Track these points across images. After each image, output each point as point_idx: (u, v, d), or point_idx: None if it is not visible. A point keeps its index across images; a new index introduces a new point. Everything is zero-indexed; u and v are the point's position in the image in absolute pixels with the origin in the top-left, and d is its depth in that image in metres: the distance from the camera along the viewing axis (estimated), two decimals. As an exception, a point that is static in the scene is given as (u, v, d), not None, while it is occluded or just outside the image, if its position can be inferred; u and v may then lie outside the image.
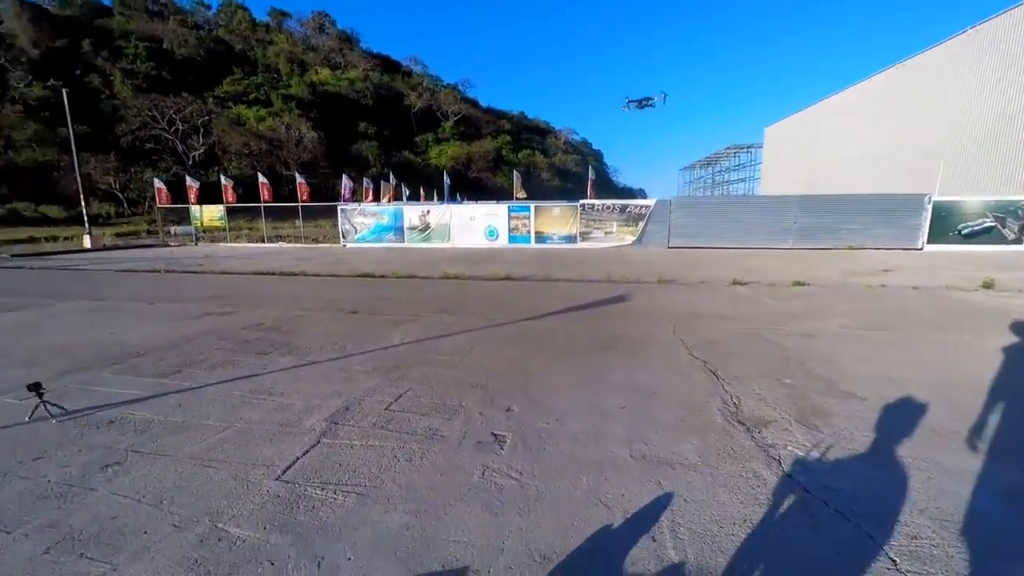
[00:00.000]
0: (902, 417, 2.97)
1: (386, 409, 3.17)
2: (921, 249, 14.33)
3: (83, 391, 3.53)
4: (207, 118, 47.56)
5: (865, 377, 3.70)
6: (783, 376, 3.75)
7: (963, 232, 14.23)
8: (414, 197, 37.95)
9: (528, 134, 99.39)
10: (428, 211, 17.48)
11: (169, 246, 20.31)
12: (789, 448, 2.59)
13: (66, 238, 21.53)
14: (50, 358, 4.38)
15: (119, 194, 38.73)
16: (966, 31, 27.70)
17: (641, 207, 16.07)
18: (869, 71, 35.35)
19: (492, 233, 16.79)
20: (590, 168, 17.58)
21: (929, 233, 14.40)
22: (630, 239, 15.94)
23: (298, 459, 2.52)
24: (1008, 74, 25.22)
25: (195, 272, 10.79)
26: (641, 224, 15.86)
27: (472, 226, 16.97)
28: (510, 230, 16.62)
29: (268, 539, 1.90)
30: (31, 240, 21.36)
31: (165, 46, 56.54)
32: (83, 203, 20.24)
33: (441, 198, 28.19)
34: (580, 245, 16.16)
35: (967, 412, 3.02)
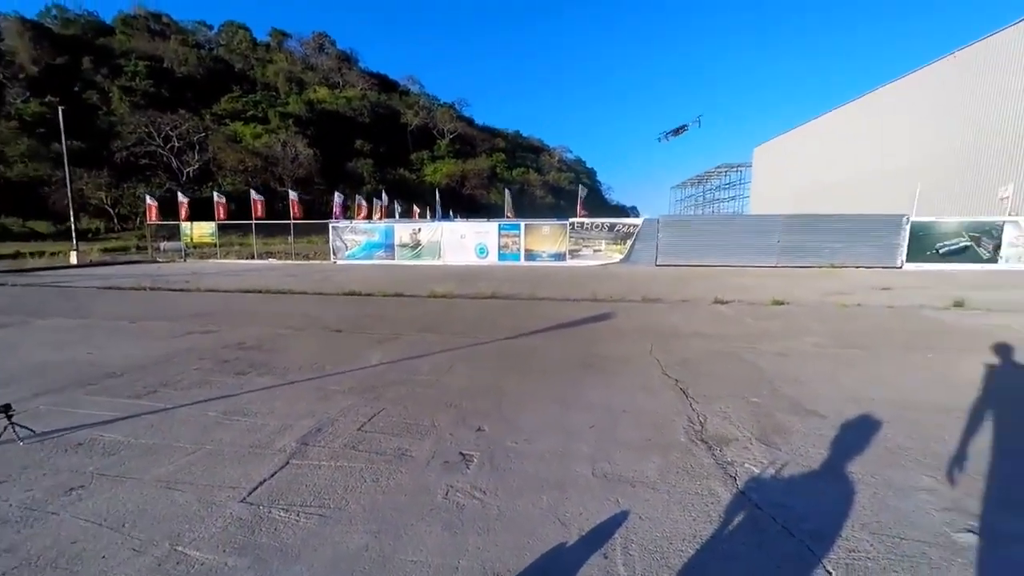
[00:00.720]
0: (859, 435, 3.06)
1: (358, 429, 3.22)
2: (901, 267, 14.65)
3: (55, 412, 3.54)
4: (203, 135, 47.94)
5: (829, 396, 3.80)
6: (751, 395, 3.84)
7: (940, 251, 14.60)
8: (407, 214, 38.23)
9: (522, 152, 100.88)
10: (419, 229, 17.65)
11: (157, 262, 20.25)
12: (746, 466, 2.67)
13: (53, 254, 21.41)
14: (25, 377, 4.37)
15: (110, 209, 38.66)
16: (937, 60, 28.78)
17: (629, 226, 16.35)
18: (856, 92, 36.48)
19: (482, 251, 16.95)
20: (580, 187, 17.91)
21: (908, 252, 14.76)
22: (618, 257, 16.16)
23: (265, 480, 2.55)
24: (980, 101, 26.22)
25: (181, 290, 10.79)
26: (629, 242, 16.11)
27: (463, 244, 17.12)
28: (500, 248, 16.79)
29: (226, 562, 1.93)
30: (17, 255, 21.21)
31: (165, 64, 57.28)
32: (72, 218, 20.21)
33: (434, 215, 28.44)
34: (569, 263, 16.34)
35: (922, 431, 3.12)
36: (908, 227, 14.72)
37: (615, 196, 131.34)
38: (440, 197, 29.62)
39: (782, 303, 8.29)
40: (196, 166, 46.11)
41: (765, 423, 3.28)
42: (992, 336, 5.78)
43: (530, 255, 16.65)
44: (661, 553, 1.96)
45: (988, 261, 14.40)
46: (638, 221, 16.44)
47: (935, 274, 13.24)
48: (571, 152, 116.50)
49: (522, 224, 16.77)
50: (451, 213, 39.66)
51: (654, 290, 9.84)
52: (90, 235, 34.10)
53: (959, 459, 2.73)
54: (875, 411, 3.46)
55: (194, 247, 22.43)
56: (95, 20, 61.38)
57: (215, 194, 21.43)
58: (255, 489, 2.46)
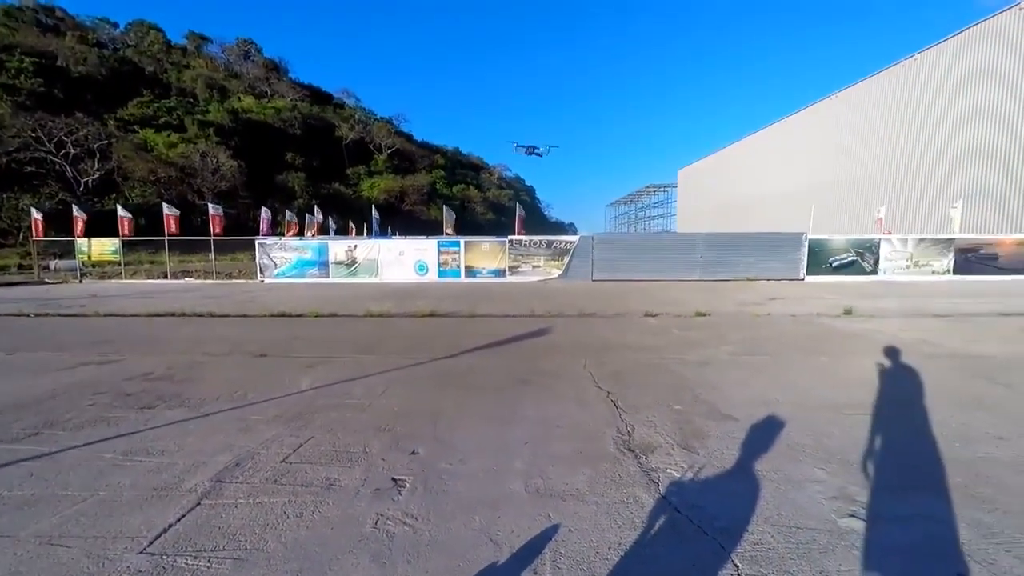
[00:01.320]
0: (765, 435, 3.38)
1: (282, 461, 3.02)
2: (803, 280, 16.43)
3: (-99, 465, 2.98)
4: (106, 141, 43.23)
5: (742, 400, 4.16)
6: (675, 403, 4.11)
7: (833, 265, 16.59)
8: (343, 230, 36.82)
9: (463, 169, 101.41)
10: (355, 246, 17.05)
11: (46, 283, 17.80)
12: (668, 471, 2.85)
13: (-94, 275, 18.09)
14: None
15: (-15, 223, 33.51)
16: (824, 98, 33.09)
17: (566, 243, 16.94)
18: (770, 119, 40.72)
19: (422, 268, 16.71)
20: (518, 205, 18.32)
21: (808, 265, 16.61)
22: (557, 273, 16.64)
23: (171, 526, 2.32)
24: (855, 136, 30.48)
25: (75, 315, 9.54)
26: (567, 259, 16.66)
27: (401, 260, 16.78)
28: (440, 264, 16.66)
29: (120, 621, 1.73)
30: None
31: (59, 63, 51.24)
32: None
33: (371, 232, 27.63)
34: (509, 279, 16.55)
35: (816, 427, 3.51)
36: (807, 244, 16.60)
37: (554, 213, 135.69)
38: (378, 213, 28.88)
39: (704, 314, 8.96)
40: (96, 176, 41.38)
41: (686, 429, 3.52)
42: (873, 340, 6.64)
43: (470, 272, 16.67)
44: (588, 563, 2.03)
45: (871, 273, 16.58)
46: (574, 238, 17.08)
47: (830, 285, 14.99)
48: (510, 170, 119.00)
49: (462, 241, 16.79)
50: (389, 230, 38.77)
51: (589, 305, 10.24)
52: (-43, 253, 29.23)
53: (847, 451, 3.11)
54: (779, 412, 3.84)
55: (93, 266, 19.98)
56: (-30, 9, 53.85)
57: (119, 207, 19.32)
58: (158, 537, 2.23)
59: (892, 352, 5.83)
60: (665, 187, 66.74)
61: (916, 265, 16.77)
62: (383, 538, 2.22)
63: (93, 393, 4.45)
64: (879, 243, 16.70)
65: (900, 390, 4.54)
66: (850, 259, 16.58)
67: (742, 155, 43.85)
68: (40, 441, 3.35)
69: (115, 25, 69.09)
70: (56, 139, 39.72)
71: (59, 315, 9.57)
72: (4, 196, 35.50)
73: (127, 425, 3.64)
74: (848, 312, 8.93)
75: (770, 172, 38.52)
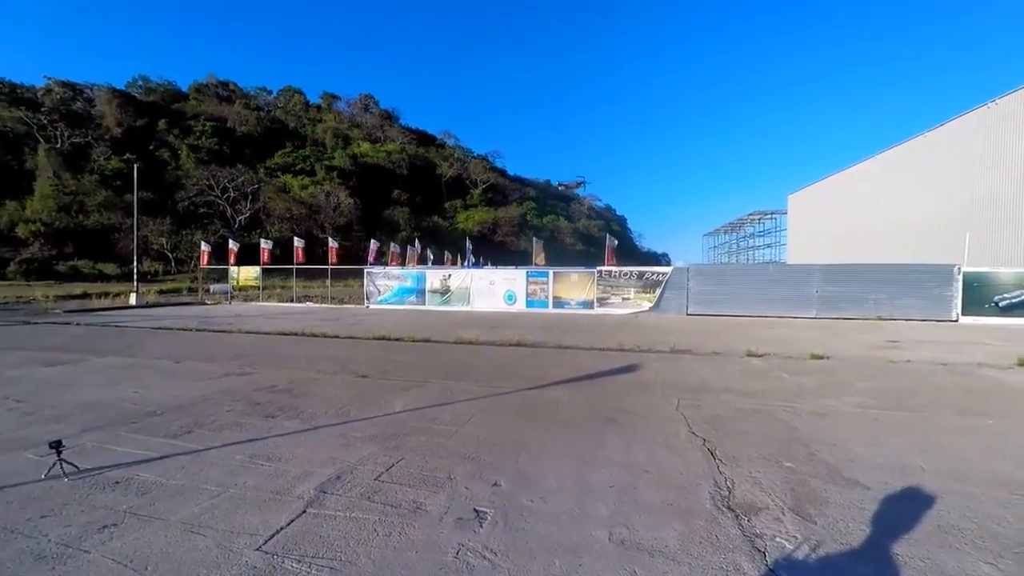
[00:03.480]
0: (906, 510, 2.81)
1: (375, 479, 3.23)
2: (956, 321, 13.71)
3: (99, 449, 3.75)
4: (256, 186, 52.03)
5: (873, 463, 3.53)
6: (784, 459, 3.63)
7: (1000, 304, 13.61)
8: (439, 260, 39.40)
9: (553, 200, 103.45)
10: (449, 275, 18.11)
11: (205, 304, 21.51)
12: (777, 539, 2.49)
13: (116, 295, 23.15)
14: (75, 415, 4.67)
15: (169, 254, 41.85)
16: (975, 108, 28.22)
17: (658, 274, 16.22)
18: (889, 141, 35.91)
19: (511, 297, 17.12)
20: (608, 236, 18.09)
21: (963, 304, 13.84)
22: (647, 305, 15.93)
23: (282, 528, 2.59)
24: (1017, 151, 25.25)
25: (223, 331, 11.38)
26: (658, 291, 15.91)
27: (492, 290, 17.39)
28: (528, 295, 16.93)
29: (237, 611, 1.95)
30: (84, 296, 23.05)
31: (228, 125, 63.51)
32: (135, 262, 21.99)
33: (465, 262, 29.20)
34: (597, 311, 16.22)
35: (979, 508, 2.84)
36: (960, 278, 13.90)
37: (646, 243, 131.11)
38: (471, 244, 30.53)
39: (821, 357, 7.87)
40: (247, 214, 49.75)
41: (799, 491, 3.07)
42: (1062, 401, 5.27)
43: (558, 302, 16.67)
44: (679, 634, 1.83)
45: (1056, 316, 13.29)
46: (667, 269, 16.30)
47: (995, 329, 12.30)
48: (600, 200, 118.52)
49: (550, 272, 16.95)
50: (481, 260, 40.57)
51: (683, 341, 9.59)
52: (149, 277, 36.85)
53: (1022, 542, 2.46)
54: (925, 483, 3.18)
55: (240, 289, 23.76)
56: (173, 88, 69.50)
57: (261, 240, 22.93)
58: (272, 537, 2.50)
59: (1095, 419, 4.55)
60: (772, 214, 60.99)
61: None
62: (463, 569, 2.23)
63: (232, 400, 5.22)
64: (1068, 278, 13.40)
65: (1110, 471, 3.50)
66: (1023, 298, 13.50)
67: (867, 177, 38.56)
68: (191, 439, 3.99)
69: (270, 92, 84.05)
70: (222, 186, 48.73)
71: (214, 331, 11.47)
72: (183, 232, 44.10)
73: (254, 431, 4.19)
74: (1023, 363, 7.21)
75: (905, 195, 33.29)
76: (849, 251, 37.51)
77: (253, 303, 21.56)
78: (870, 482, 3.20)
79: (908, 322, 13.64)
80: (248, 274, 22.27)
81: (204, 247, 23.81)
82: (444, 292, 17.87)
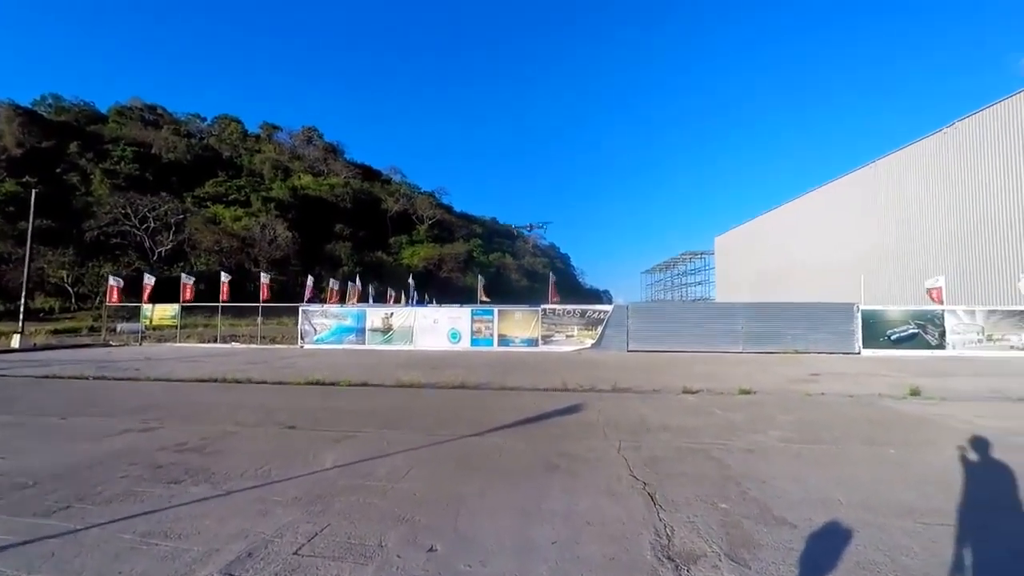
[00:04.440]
0: (828, 547, 2.94)
1: (295, 553, 2.89)
2: (859, 353, 15.26)
3: (-59, 536, 3.06)
4: (182, 216, 48.39)
5: (798, 498, 3.71)
6: (720, 499, 3.71)
7: (892, 338, 15.40)
8: (382, 297, 38.28)
9: (499, 237, 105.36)
10: (392, 313, 17.57)
11: (110, 345, 19.15)
12: (715, 591, 2.49)
13: (-5, 336, 20.00)
14: (-83, 491, 3.83)
15: (69, 288, 37.27)
16: (867, 164, 32.76)
17: (600, 312, 16.75)
18: (805, 187, 40.47)
19: (455, 336, 16.85)
20: (551, 274, 18.55)
21: (864, 338, 15.49)
22: (590, 343, 16.31)
23: (173, 625, 2.20)
24: (905, 203, 29.57)
25: (128, 379, 10.10)
26: (600, 328, 16.38)
27: (435, 328, 17.03)
28: (473, 333, 16.76)
29: None
30: (-47, 338, 19.68)
31: (154, 151, 59.32)
32: (23, 298, 19.27)
33: (409, 299, 28.55)
34: (542, 348, 16.34)
35: (891, 540, 3.03)
36: (859, 315, 15.62)
37: (589, 280, 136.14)
38: (417, 280, 30.03)
39: (749, 392, 8.37)
40: (169, 246, 45.88)
41: (734, 535, 3.13)
42: (947, 428, 5.91)
43: (503, 340, 16.63)
44: None
45: (936, 347, 15.22)
46: (608, 308, 16.91)
47: (889, 360, 13.80)
48: (544, 238, 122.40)
49: (495, 310, 16.97)
50: (426, 297, 39.94)
51: (624, 378, 9.83)
52: (42, 315, 32.37)
53: (927, 573, 2.63)
54: (843, 517, 3.37)
55: (153, 329, 21.46)
56: (89, 109, 64.26)
57: (183, 275, 21.09)
58: (159, 639, 2.11)
59: (972, 444, 5.13)
60: (702, 254, 66.13)
61: (990, 339, 15.30)
62: (389, 659, 2.00)
63: (128, 464, 4.54)
64: (943, 315, 15.49)
65: (986, 493, 3.93)
66: (911, 332, 15.38)
67: (781, 222, 43.21)
68: (69, 516, 3.38)
69: (203, 119, 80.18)
70: (141, 215, 44.84)
71: (114, 379, 10.14)
72: (90, 264, 39.65)
73: (152, 501, 3.64)
74: (915, 393, 8.10)
75: (812, 240, 37.54)
76: (769, 289, 41.24)
77: (169, 344, 19.49)
78: (797, 519, 3.34)
79: (820, 355, 14.98)
80: (164, 312, 20.25)
81: (113, 281, 21.41)
82: (386, 331, 17.25)
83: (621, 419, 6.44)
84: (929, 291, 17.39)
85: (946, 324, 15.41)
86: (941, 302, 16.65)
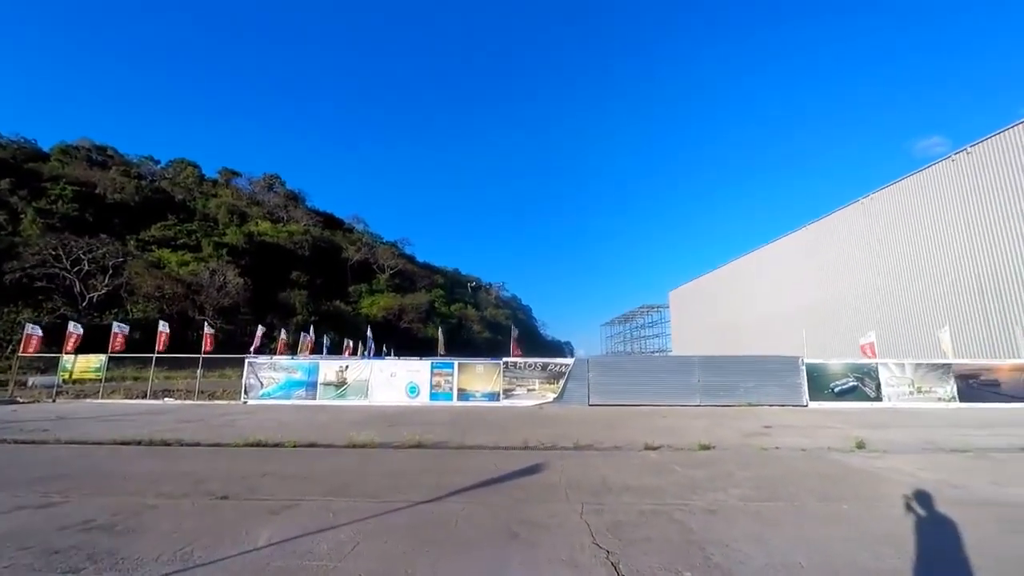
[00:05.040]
0: (793, 619, 2.87)
1: (212, 656, 2.48)
2: (806, 406, 15.88)
3: None
4: (121, 259, 45.34)
5: (761, 563, 3.64)
6: (684, 567, 3.59)
7: (835, 390, 16.22)
8: (338, 347, 36.66)
9: (461, 288, 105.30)
10: (346, 366, 16.75)
11: (17, 402, 16.93)
12: (683, 676, 2.33)
13: None
14: None
15: (-23, 337, 33.24)
16: (799, 229, 35.84)
17: (561, 365, 16.72)
18: (754, 244, 43.53)
19: (413, 390, 16.19)
20: (512, 327, 18.53)
21: (809, 390, 16.20)
22: (552, 396, 16.11)
23: None
24: (834, 265, 32.39)
25: (32, 442, 8.86)
26: (561, 382, 16.28)
27: (393, 382, 16.33)
28: (432, 387, 16.18)
29: None
30: None
31: (98, 191, 56.37)
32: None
33: (367, 350, 27.47)
34: (503, 403, 15.94)
35: (851, 606, 3.00)
36: (804, 368, 16.43)
37: (550, 331, 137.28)
38: (376, 331, 29.06)
39: (708, 447, 8.41)
40: (103, 291, 42.47)
41: (700, 607, 3.00)
42: (892, 481, 6.13)
43: (463, 395, 16.12)
44: None
45: (875, 399, 16.12)
46: (569, 361, 16.93)
47: (834, 412, 14.43)
48: (507, 290, 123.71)
49: (455, 363, 16.56)
50: (384, 348, 38.68)
51: (586, 435, 9.66)
52: (-64, 366, 28.43)
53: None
54: (805, 582, 3.33)
55: (74, 383, 19.27)
56: (30, 147, 61.04)
57: (114, 323, 19.40)
58: None
59: (917, 498, 5.32)
60: (658, 307, 68.71)
61: (919, 391, 16.41)
62: None
63: (17, 548, 3.87)
64: (877, 368, 16.57)
65: (937, 551, 4.02)
66: (851, 384, 16.28)
67: (730, 278, 46.05)
68: (-73, 622, 2.78)
69: (157, 162, 77.83)
70: (74, 256, 41.67)
71: (16, 441, 8.87)
72: (4, 310, 35.88)
73: (40, 597, 3.08)
74: (860, 446, 8.43)
75: (758, 295, 40.08)
76: (720, 342, 43.05)
77: (89, 400, 17.46)
78: (760, 587, 3.26)
79: (771, 407, 15.46)
80: (88, 364, 18.33)
81: (30, 329, 19.34)
82: (339, 385, 16.34)
83: (583, 479, 6.25)
84: (862, 346, 18.70)
85: (880, 377, 16.47)
86: (874, 356, 17.89)
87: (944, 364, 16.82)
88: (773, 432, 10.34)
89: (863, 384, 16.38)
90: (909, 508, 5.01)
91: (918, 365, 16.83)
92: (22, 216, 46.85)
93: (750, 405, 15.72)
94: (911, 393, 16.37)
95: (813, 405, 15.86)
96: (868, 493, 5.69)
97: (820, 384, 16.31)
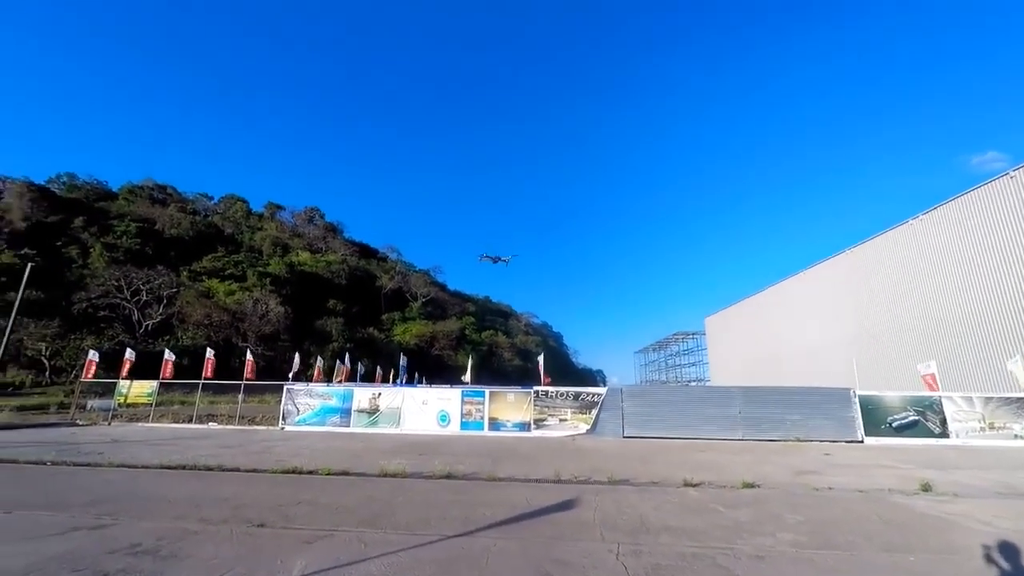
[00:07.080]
0: None
1: None
2: (862, 442, 14.73)
3: None
4: (175, 289, 48.44)
5: (818, 621, 3.34)
6: (731, 621, 3.33)
7: (893, 425, 14.99)
8: (371, 375, 37.29)
9: (491, 316, 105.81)
10: (379, 393, 16.97)
11: (77, 424, 18.02)
12: None
13: (-46, 413, 18.85)
14: None
15: (45, 361, 35.94)
16: (847, 250, 34.04)
17: (594, 395, 16.32)
18: (797, 266, 41.63)
19: (444, 418, 16.16)
20: (542, 356, 18.35)
21: (864, 425, 15.05)
22: (584, 427, 15.66)
23: None
24: (893, 289, 30.35)
25: (89, 464, 9.35)
26: (594, 412, 15.85)
27: (424, 410, 16.37)
28: (463, 415, 16.09)
29: None
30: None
31: (157, 227, 61.04)
32: (-4, 374, 18.43)
33: (398, 377, 27.80)
34: (534, 433, 15.63)
35: (926, 676, 2.69)
36: (857, 400, 15.34)
37: (582, 359, 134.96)
38: (408, 357, 29.41)
39: (752, 486, 7.90)
40: (158, 319, 45.30)
41: (750, 667, 2.76)
42: (966, 530, 5.55)
43: (494, 424, 15.93)
44: None
45: (940, 436, 14.78)
46: (602, 390, 16.50)
47: (894, 449, 13.31)
48: (537, 317, 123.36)
49: (486, 391, 16.47)
50: (416, 375, 39.02)
51: (620, 469, 9.30)
52: (11, 389, 30.82)
53: None
54: (870, 644, 3.01)
55: (127, 407, 20.39)
56: (101, 188, 67.15)
57: (165, 351, 20.55)
58: None
59: (999, 551, 4.77)
60: (694, 334, 66.37)
61: (991, 427, 14.95)
62: None
63: (70, 571, 4.05)
64: (941, 401, 15.27)
65: (1026, 614, 3.56)
66: (911, 419, 15.03)
67: (770, 303, 43.96)
68: (-12, 640, 2.93)
69: (211, 198, 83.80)
70: (134, 287, 44.87)
71: (75, 464, 9.39)
72: (71, 337, 38.72)
73: (89, 621, 3.18)
74: (926, 488, 7.69)
75: (799, 322, 38.08)
76: (760, 372, 40.86)
77: (140, 424, 18.40)
78: (818, 648, 2.98)
79: (822, 443, 14.43)
80: (141, 389, 19.41)
81: (91, 355, 20.75)
82: (372, 412, 16.52)
83: (619, 517, 5.98)
84: (924, 377, 17.25)
85: (946, 411, 15.13)
86: (936, 388, 16.47)
87: (1020, 398, 15.32)
88: (825, 470, 9.62)
89: (925, 419, 15.10)
90: (990, 561, 4.50)
91: (988, 399, 15.40)
92: (91, 250, 51.11)
93: (798, 440, 14.73)
94: (982, 429, 14.93)
95: (869, 441, 14.70)
96: (938, 543, 5.16)
97: (876, 418, 15.14)
